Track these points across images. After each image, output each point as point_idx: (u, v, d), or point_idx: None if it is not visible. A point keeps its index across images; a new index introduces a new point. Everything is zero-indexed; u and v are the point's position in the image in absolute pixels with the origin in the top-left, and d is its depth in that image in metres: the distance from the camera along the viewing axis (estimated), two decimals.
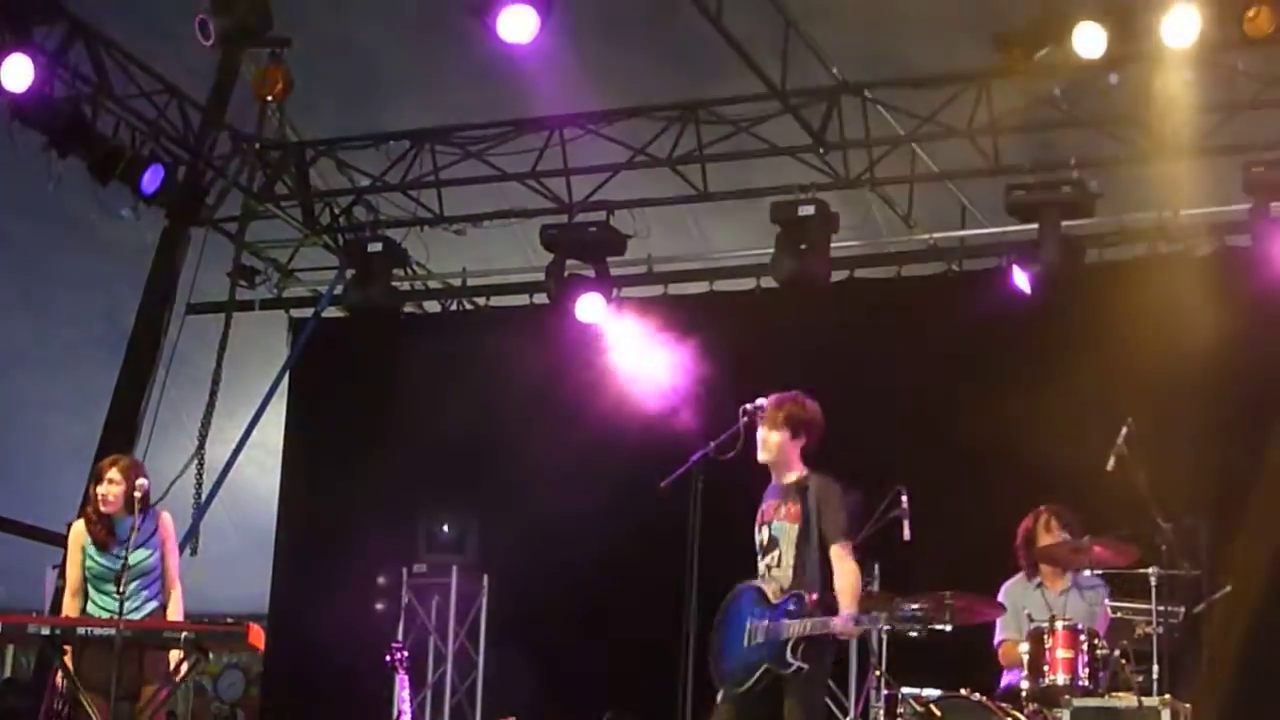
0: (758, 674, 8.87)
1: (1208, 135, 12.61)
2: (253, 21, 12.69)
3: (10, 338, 16.64)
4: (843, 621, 8.83)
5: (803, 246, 13.43)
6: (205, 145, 14.57)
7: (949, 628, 10.34)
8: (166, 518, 10.25)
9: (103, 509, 10.02)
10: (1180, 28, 11.67)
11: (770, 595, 8.97)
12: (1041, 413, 12.92)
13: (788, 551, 8.98)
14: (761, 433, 9.12)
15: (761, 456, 9.14)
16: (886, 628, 9.13)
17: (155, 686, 9.71)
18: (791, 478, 9.16)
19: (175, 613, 10.03)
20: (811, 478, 9.13)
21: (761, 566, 9.09)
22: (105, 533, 10.02)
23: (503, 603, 14.83)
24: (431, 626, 14.97)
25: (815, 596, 8.89)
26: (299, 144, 14.91)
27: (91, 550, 10.06)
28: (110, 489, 10.03)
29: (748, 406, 9.09)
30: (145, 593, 9.98)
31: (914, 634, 9.11)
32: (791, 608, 8.87)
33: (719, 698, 9.01)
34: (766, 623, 8.90)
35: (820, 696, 9.26)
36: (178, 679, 9.82)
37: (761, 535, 9.12)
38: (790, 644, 8.80)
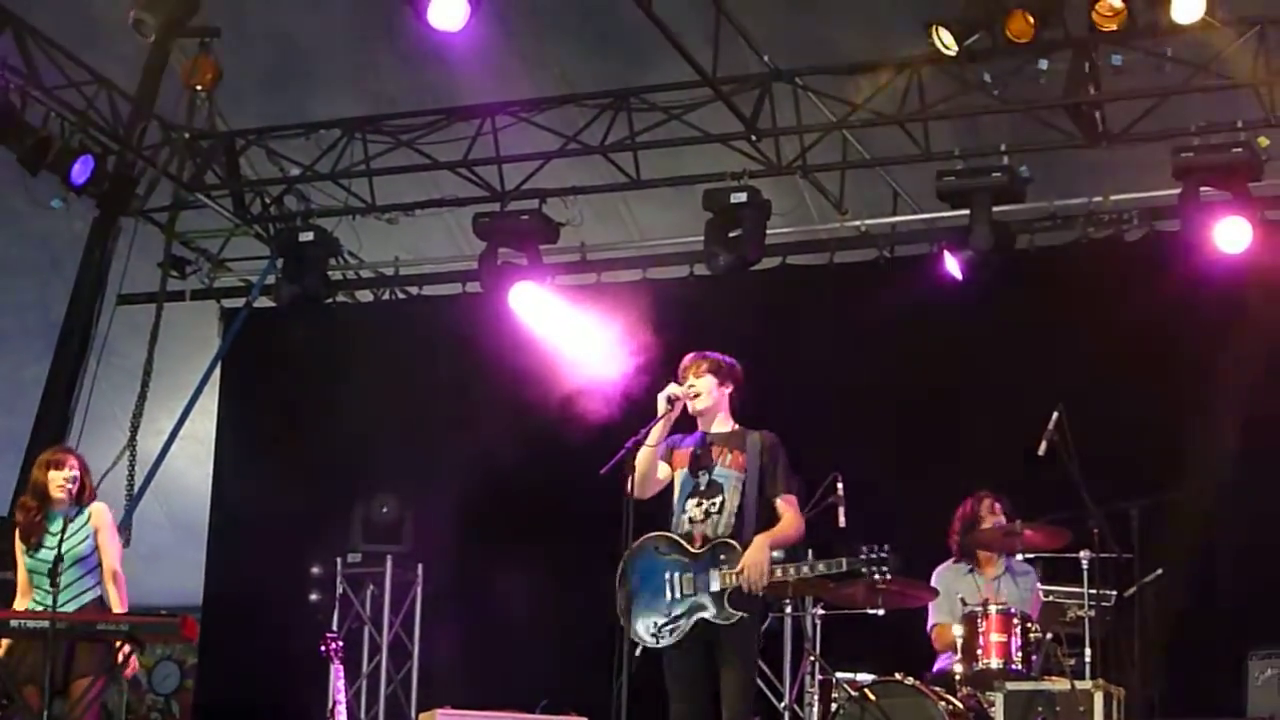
0: (689, 625, 8.73)
1: (1137, 121, 12.70)
2: (182, 11, 12.67)
3: None
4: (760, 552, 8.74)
5: (735, 234, 13.46)
6: (135, 135, 14.50)
7: (881, 612, 10.42)
8: (102, 507, 10.14)
9: (56, 495, 9.89)
10: (1109, 14, 11.75)
11: (688, 544, 8.83)
12: (973, 398, 13.02)
13: (731, 499, 8.86)
14: (690, 382, 9.04)
15: (698, 405, 8.99)
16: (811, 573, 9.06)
17: (88, 679, 9.64)
18: (727, 427, 9.09)
19: (117, 604, 9.93)
20: (751, 432, 9.06)
21: (693, 510, 8.91)
22: (37, 527, 9.90)
23: (438, 592, 14.80)
24: (366, 616, 14.92)
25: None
26: (229, 133, 14.83)
27: (21, 549, 9.98)
28: (71, 474, 9.93)
29: (670, 395, 9.03)
30: (82, 581, 9.89)
31: None
32: (723, 557, 8.75)
33: (639, 651, 8.73)
34: (693, 574, 8.77)
35: (757, 643, 9.17)
36: (111, 671, 9.75)
37: (699, 480, 8.95)
38: (727, 594, 8.68)
